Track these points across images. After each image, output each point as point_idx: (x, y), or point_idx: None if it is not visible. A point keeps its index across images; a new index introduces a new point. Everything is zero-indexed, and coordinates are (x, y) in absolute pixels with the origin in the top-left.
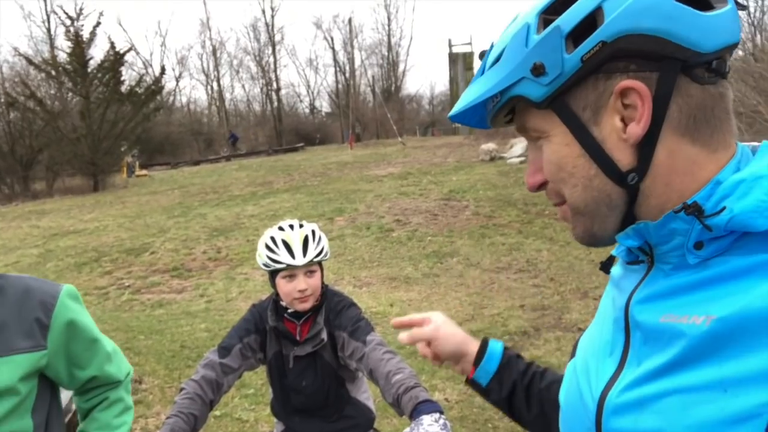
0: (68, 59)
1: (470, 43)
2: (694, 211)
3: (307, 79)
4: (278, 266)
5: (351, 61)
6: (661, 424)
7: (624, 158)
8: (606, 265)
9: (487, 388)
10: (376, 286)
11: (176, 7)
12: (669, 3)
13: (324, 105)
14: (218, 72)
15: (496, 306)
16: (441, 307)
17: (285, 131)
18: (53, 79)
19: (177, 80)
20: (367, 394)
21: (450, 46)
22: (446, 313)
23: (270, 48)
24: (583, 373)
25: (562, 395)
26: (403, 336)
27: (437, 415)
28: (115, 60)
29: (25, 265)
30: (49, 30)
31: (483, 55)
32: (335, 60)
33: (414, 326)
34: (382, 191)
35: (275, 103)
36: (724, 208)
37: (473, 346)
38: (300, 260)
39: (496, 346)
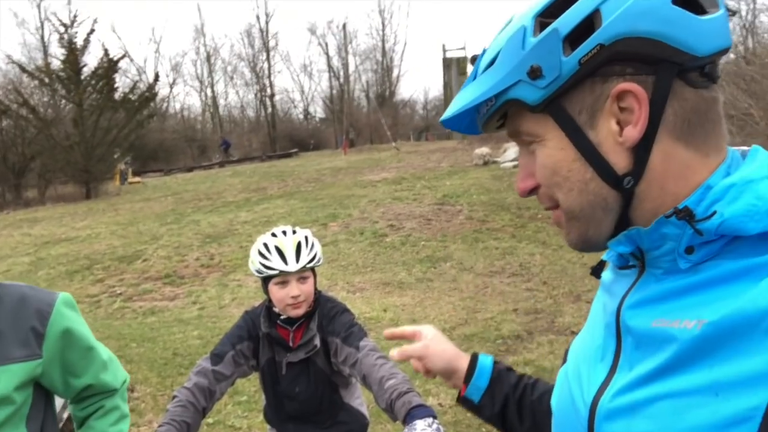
0: (62, 66)
1: (464, 48)
2: (686, 215)
3: (301, 84)
4: (271, 272)
5: (345, 66)
6: (653, 429)
7: (620, 162)
8: (596, 270)
9: (479, 405)
10: (369, 292)
11: (170, 13)
12: (667, 6)
13: (318, 110)
14: (212, 78)
15: (490, 310)
16: (435, 312)
17: (279, 137)
18: (46, 86)
19: (171, 87)
20: (360, 399)
21: (444, 51)
22: (440, 317)
23: (264, 54)
24: (574, 379)
25: (554, 401)
26: (394, 352)
27: (430, 419)
28: (109, 67)
29: (16, 273)
30: (42, 37)
31: (474, 59)
32: (329, 65)
33: (406, 338)
34: (376, 196)
35: (269, 109)
36: (714, 212)
37: (463, 361)
38: (293, 266)
39: (485, 361)
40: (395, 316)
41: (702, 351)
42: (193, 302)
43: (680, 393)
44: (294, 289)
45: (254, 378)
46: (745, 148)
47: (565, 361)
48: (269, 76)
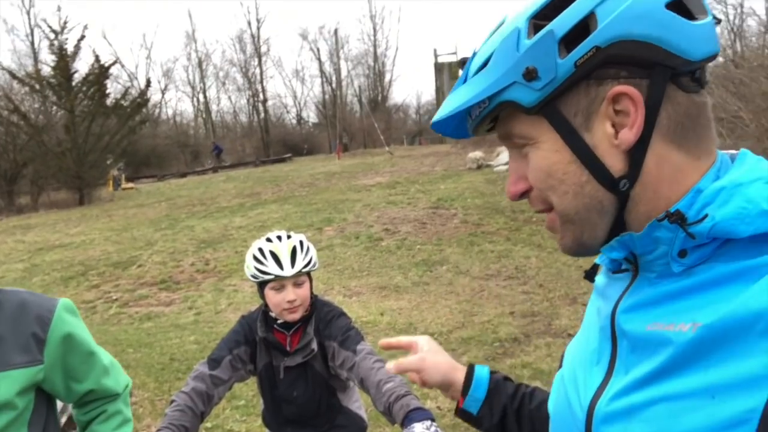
0: (53, 73)
1: (455, 53)
2: (678, 219)
3: (293, 90)
4: (267, 277)
5: (337, 71)
6: None
7: (615, 164)
8: (590, 274)
9: (478, 416)
10: (366, 296)
11: (161, 19)
12: (661, 10)
13: (311, 115)
14: (204, 84)
15: (486, 313)
16: (431, 315)
17: (272, 142)
18: (37, 93)
19: (163, 93)
20: (358, 403)
21: (435, 55)
22: (437, 321)
23: (256, 59)
24: (571, 383)
25: (551, 406)
26: (390, 366)
27: (428, 422)
28: (100, 73)
29: (10, 280)
30: (33, 44)
31: (464, 62)
32: (321, 71)
33: (402, 348)
34: (371, 201)
35: (262, 114)
36: (706, 215)
37: (460, 374)
38: (288, 271)
39: (482, 372)
40: (392, 320)
41: (697, 354)
42: (189, 307)
43: (676, 396)
44: (290, 293)
45: (252, 382)
46: (733, 151)
47: (561, 365)
48: (261, 82)
